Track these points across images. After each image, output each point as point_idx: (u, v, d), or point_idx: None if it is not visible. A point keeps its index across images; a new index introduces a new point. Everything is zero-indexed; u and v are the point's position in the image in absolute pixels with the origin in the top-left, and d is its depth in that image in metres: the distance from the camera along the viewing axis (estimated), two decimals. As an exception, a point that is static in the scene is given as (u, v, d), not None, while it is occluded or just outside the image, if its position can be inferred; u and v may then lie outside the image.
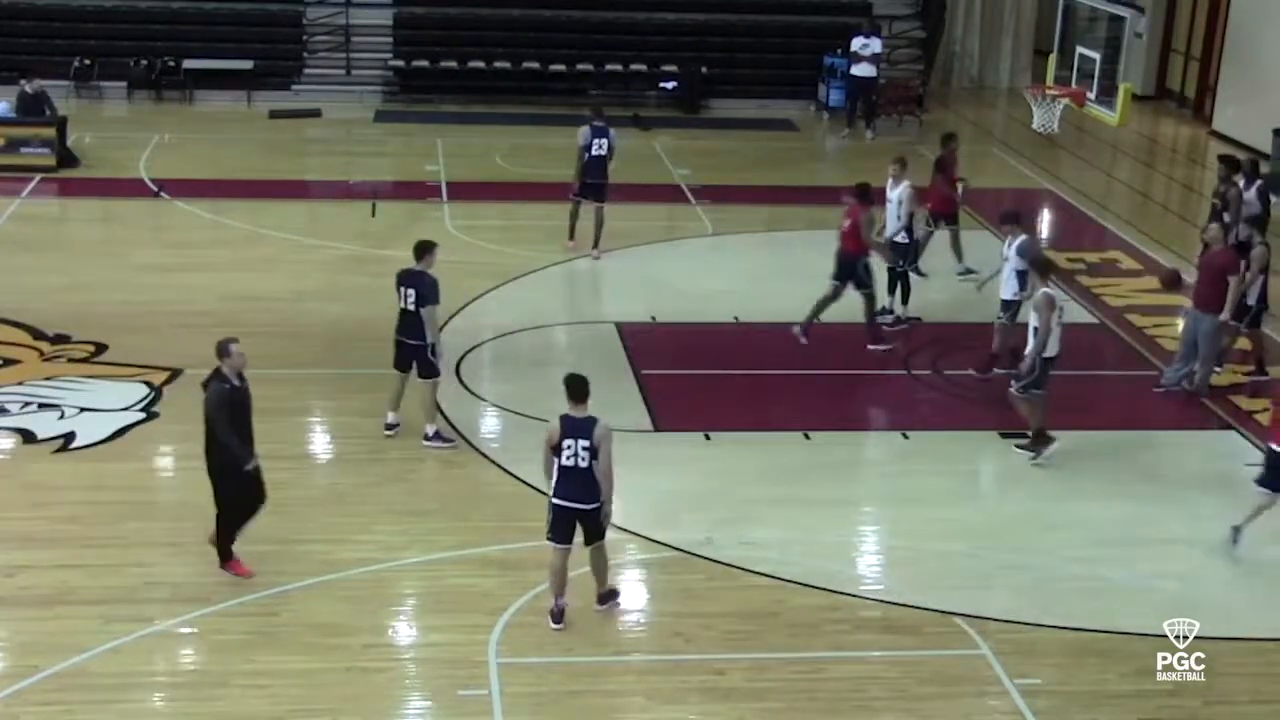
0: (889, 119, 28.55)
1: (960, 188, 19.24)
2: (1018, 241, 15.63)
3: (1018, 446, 14.34)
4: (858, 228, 16.55)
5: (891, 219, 17.53)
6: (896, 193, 17.45)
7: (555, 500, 10.93)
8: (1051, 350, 14.00)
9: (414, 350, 13.94)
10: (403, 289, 13.85)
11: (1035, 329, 13.95)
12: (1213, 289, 15.49)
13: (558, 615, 11.10)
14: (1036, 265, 14.64)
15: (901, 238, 17.47)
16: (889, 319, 17.45)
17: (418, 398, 14.06)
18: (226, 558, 11.62)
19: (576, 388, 10.88)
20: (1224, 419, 15.47)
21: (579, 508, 10.83)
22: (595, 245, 19.92)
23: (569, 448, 10.71)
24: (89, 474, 13.38)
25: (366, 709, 10.14)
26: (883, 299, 17.45)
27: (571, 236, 20.06)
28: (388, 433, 14.24)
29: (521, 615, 11.20)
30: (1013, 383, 14.35)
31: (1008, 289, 15.70)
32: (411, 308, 13.79)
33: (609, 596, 11.40)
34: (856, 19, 29.22)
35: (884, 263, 17.58)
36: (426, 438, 14.06)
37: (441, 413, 14.34)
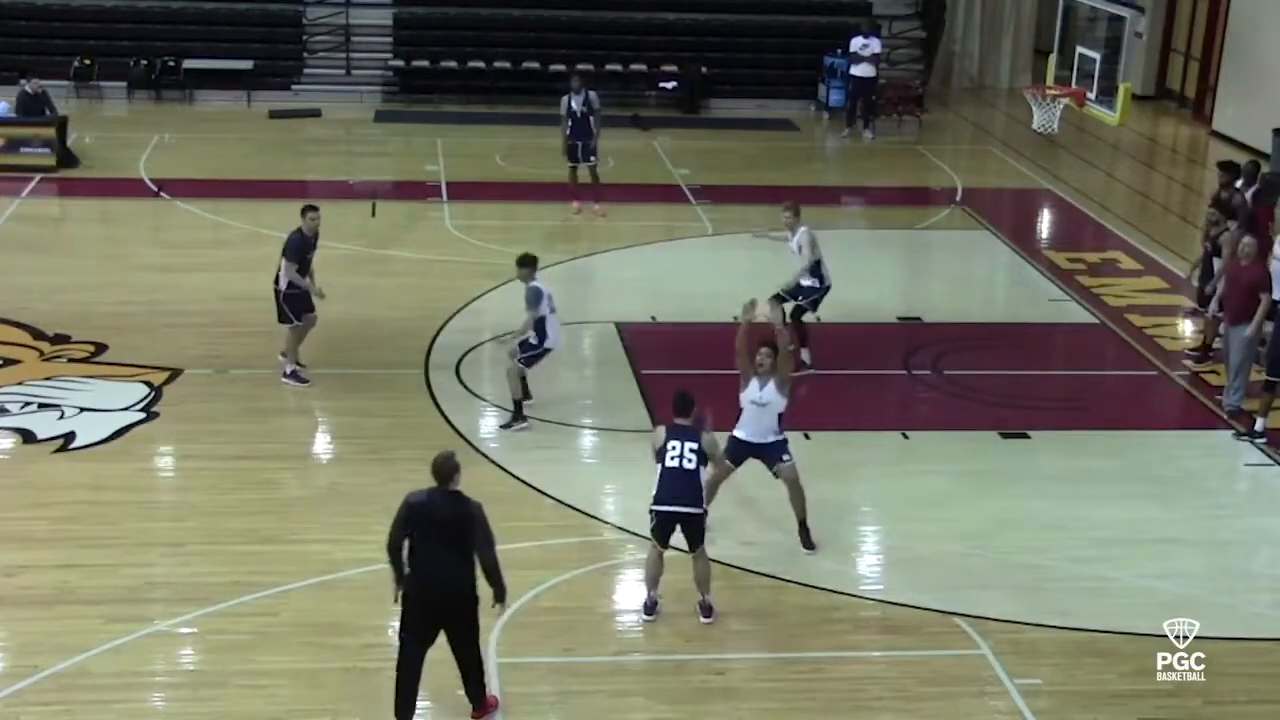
0: (889, 119, 28.55)
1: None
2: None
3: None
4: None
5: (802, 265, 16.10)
6: (796, 240, 16.16)
7: (655, 506, 10.91)
8: None
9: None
10: None
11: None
12: (1245, 303, 15.31)
13: (649, 607, 11.17)
14: None
15: (810, 282, 16.05)
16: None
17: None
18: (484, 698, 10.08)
19: (679, 404, 11.09)
20: (1224, 419, 15.45)
21: (681, 511, 10.84)
22: (597, 200, 21.58)
23: (674, 449, 10.78)
24: (89, 474, 13.36)
25: (366, 709, 10.12)
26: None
27: (577, 198, 21.68)
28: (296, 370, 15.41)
29: (521, 615, 11.17)
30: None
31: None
32: None
33: (710, 610, 11.19)
34: (856, 19, 29.18)
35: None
36: (284, 374, 15.31)
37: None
